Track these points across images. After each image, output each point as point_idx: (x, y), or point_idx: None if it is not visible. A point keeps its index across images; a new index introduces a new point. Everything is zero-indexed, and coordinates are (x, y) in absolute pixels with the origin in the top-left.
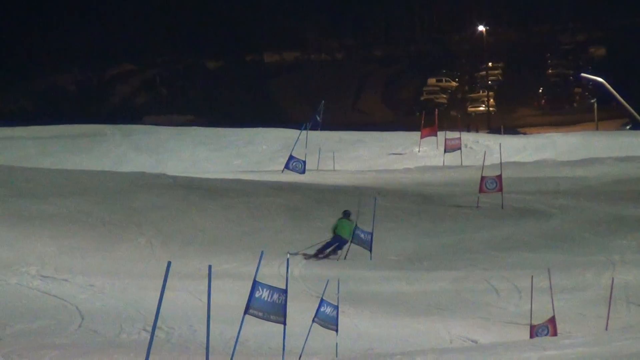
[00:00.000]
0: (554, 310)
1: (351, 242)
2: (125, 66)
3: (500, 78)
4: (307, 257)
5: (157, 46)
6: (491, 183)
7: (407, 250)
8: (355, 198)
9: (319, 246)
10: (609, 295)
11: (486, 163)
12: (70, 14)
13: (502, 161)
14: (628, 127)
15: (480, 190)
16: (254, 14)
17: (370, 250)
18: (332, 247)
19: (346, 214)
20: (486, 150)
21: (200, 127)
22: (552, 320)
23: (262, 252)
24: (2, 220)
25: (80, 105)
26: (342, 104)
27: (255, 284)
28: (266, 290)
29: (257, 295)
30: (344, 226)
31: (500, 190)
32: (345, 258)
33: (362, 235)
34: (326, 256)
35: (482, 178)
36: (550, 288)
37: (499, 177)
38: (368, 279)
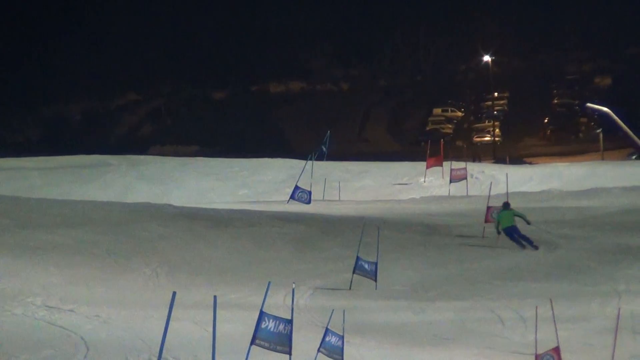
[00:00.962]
0: (558, 340)
1: (354, 272)
2: (130, 96)
3: (505, 108)
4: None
5: (163, 76)
6: (497, 213)
7: (412, 280)
8: (361, 228)
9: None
10: (615, 325)
11: (492, 193)
12: (76, 44)
13: (508, 191)
14: (634, 157)
15: (486, 220)
16: (259, 44)
17: (376, 280)
18: (518, 240)
19: (505, 205)
20: (492, 181)
21: (206, 158)
22: (557, 349)
23: (269, 283)
24: (7, 251)
25: (85, 136)
26: (348, 134)
27: (261, 315)
28: (272, 321)
29: (263, 325)
30: (504, 217)
31: None
32: (350, 288)
33: (365, 266)
34: (532, 245)
35: (488, 208)
36: (553, 318)
37: None
38: (373, 309)
